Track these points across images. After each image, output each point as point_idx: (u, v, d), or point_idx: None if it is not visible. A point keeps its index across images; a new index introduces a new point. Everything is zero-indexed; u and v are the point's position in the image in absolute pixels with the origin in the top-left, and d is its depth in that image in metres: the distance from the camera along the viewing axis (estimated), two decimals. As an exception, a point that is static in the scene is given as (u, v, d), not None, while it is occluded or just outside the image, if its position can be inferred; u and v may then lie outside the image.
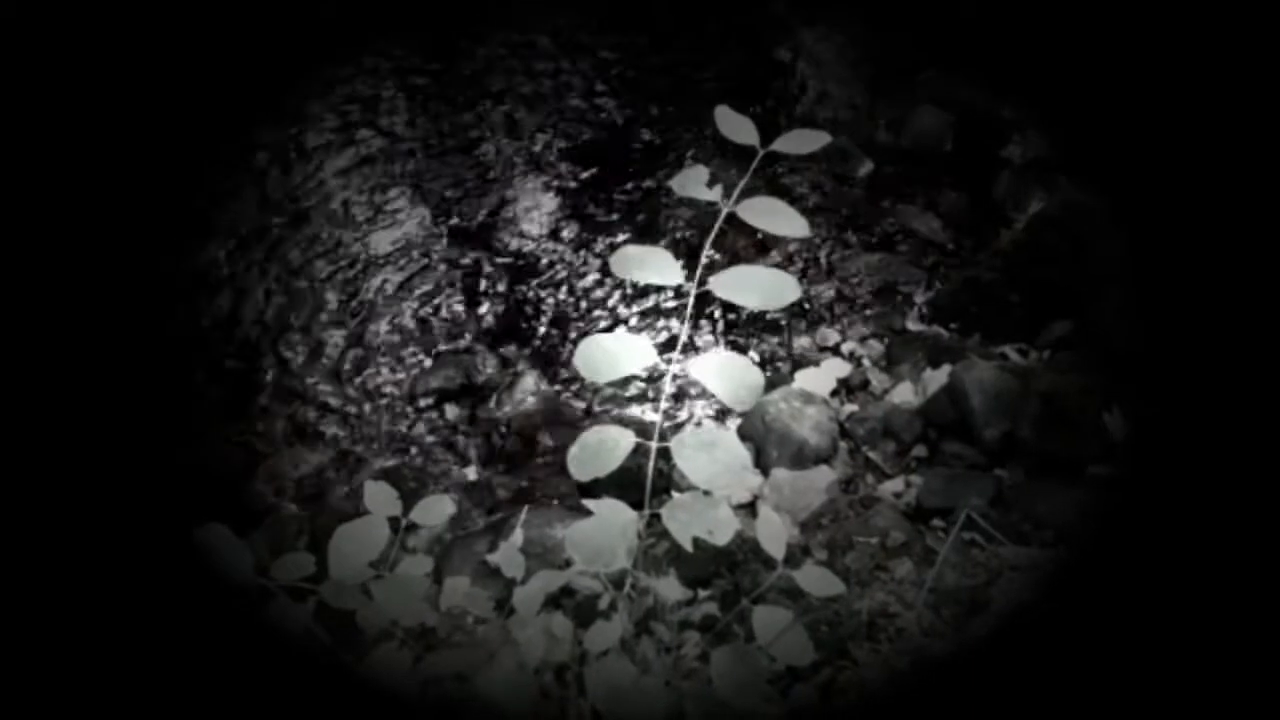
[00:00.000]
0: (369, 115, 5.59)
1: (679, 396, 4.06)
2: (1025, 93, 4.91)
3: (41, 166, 4.34)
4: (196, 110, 5.07)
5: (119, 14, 4.98)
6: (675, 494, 3.25)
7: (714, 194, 1.49)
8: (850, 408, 3.83)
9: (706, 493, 1.52)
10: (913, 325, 4.30)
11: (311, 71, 5.73)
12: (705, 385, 1.50)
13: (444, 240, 4.88)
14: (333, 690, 1.43)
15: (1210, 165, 2.75)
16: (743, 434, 3.72)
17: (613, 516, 1.52)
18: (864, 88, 5.53)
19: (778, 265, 4.53)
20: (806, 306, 4.45)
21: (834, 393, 3.94)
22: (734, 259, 4.42)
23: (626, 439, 1.49)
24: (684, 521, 1.48)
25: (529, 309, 4.55)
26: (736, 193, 1.47)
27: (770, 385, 3.90)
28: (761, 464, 3.59)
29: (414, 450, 3.98)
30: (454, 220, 4.99)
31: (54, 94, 4.67)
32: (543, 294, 4.61)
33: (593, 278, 4.66)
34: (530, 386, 4.10)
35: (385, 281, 4.66)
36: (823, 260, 4.67)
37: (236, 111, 5.28)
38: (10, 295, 3.74)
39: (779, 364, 4.21)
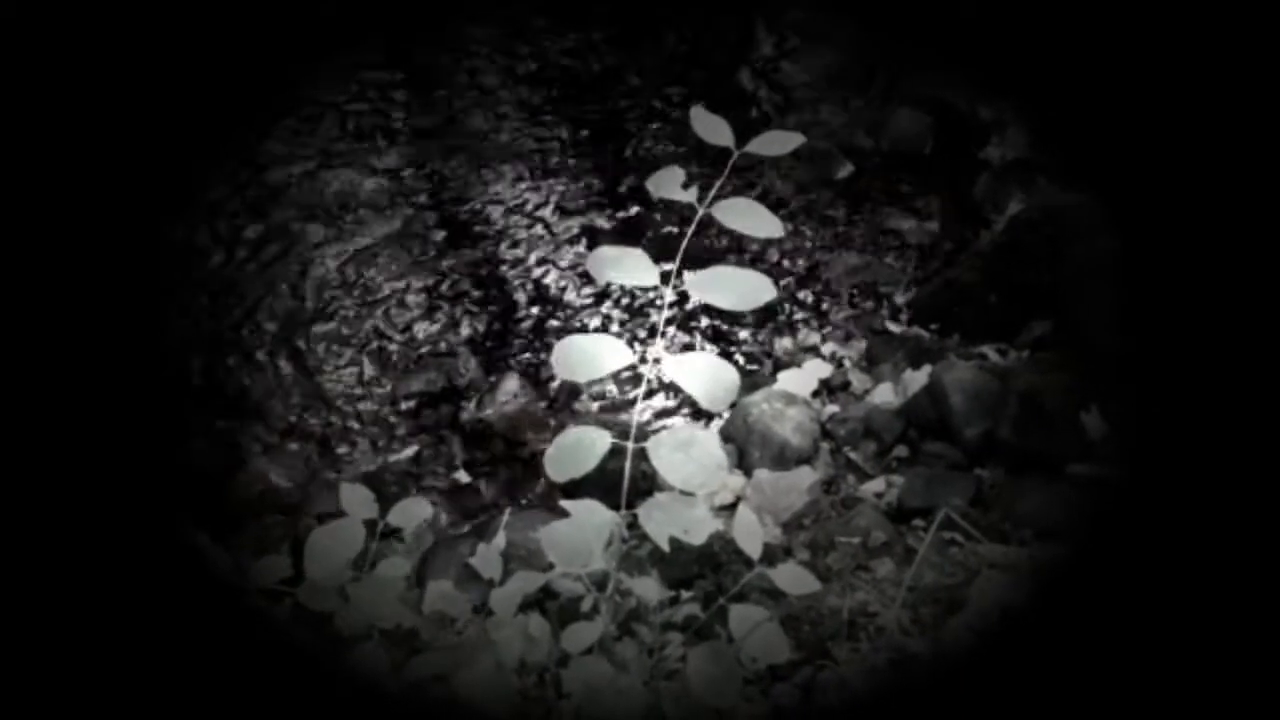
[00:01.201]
0: (350, 116, 5.57)
1: (660, 397, 4.06)
2: (1004, 93, 4.94)
3: (37, 163, 4.31)
4: (191, 111, 5.04)
5: (111, 16, 4.95)
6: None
7: (689, 195, 1.50)
8: (832, 408, 3.85)
9: (685, 493, 1.53)
10: (893, 326, 4.32)
11: (299, 73, 5.71)
12: (682, 386, 1.50)
13: (424, 243, 4.87)
14: (309, 693, 1.43)
15: (1189, 166, 2.77)
16: (725, 435, 3.73)
17: (589, 516, 1.52)
18: (843, 90, 5.55)
19: (758, 267, 4.57)
20: (788, 308, 4.46)
21: (815, 393, 3.95)
22: (714, 260, 4.43)
23: (603, 439, 1.49)
24: (661, 521, 1.50)
25: (509, 311, 4.55)
26: (711, 194, 1.48)
27: (752, 386, 3.91)
28: (744, 465, 3.60)
29: (396, 454, 3.97)
30: (434, 223, 4.98)
31: (52, 94, 4.64)
32: (523, 296, 4.61)
33: (573, 279, 4.66)
34: (512, 389, 4.10)
35: (366, 285, 4.66)
36: (804, 262, 4.68)
37: (229, 113, 5.26)
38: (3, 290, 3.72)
39: (760, 365, 4.22)
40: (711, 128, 1.53)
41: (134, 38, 5.03)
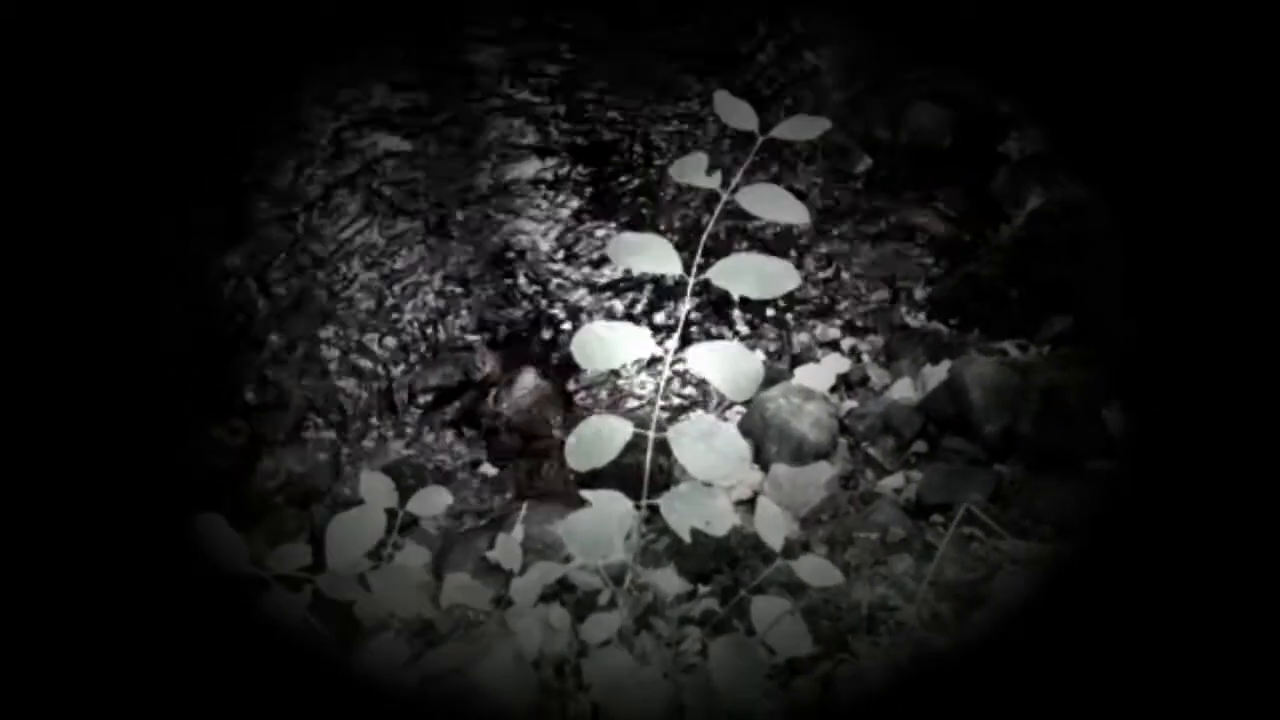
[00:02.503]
0: (365, 115, 5.57)
1: (680, 388, 4.05)
2: (1023, 88, 4.89)
3: (43, 163, 4.33)
4: (200, 109, 5.05)
5: (112, 16, 4.96)
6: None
7: (713, 181, 1.48)
8: (850, 404, 3.83)
9: (706, 484, 1.51)
10: (912, 321, 4.29)
11: (309, 72, 5.72)
12: (704, 375, 1.48)
13: (440, 238, 4.87)
14: (328, 682, 1.42)
15: (1208, 160, 2.74)
16: (743, 430, 3.71)
17: (610, 507, 1.50)
18: (862, 84, 5.52)
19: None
20: (806, 302, 4.44)
21: (834, 389, 3.93)
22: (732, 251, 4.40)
23: (624, 429, 1.47)
24: (682, 512, 1.47)
25: (526, 303, 4.54)
26: (736, 180, 1.46)
27: (770, 381, 3.89)
28: (761, 460, 3.58)
29: (413, 447, 3.97)
30: (450, 218, 4.98)
31: (53, 93, 4.66)
32: (539, 287, 4.60)
33: (590, 269, 4.65)
34: (529, 382, 4.09)
35: (383, 280, 4.65)
36: (822, 256, 4.66)
37: (240, 109, 5.27)
38: (12, 289, 3.73)
39: (778, 360, 4.20)
40: (735, 112, 1.51)
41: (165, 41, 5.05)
